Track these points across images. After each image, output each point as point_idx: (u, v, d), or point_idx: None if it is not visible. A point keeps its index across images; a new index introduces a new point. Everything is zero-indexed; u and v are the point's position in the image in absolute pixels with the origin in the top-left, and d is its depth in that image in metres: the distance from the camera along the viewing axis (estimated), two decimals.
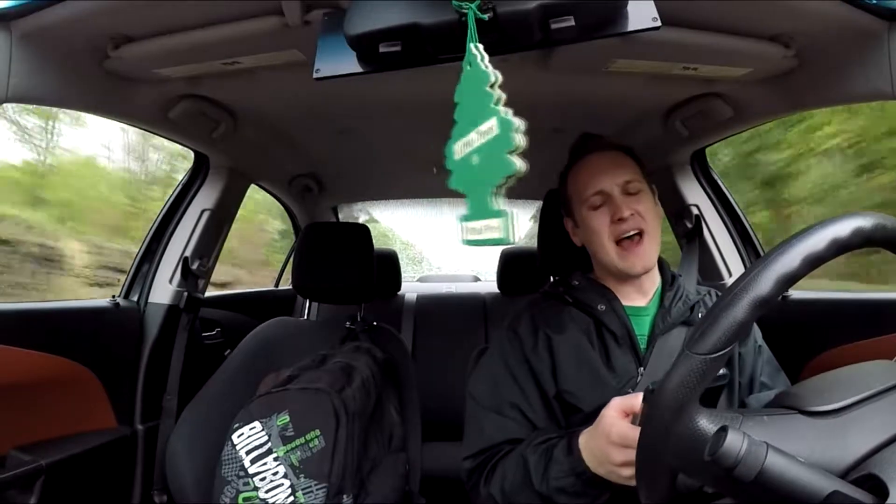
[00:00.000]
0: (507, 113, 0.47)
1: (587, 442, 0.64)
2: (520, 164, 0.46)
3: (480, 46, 0.52)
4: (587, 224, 0.81)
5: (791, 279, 0.39)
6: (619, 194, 0.79)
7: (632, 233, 0.77)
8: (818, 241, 0.39)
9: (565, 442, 0.67)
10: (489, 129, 0.48)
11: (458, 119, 0.53)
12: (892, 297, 1.01)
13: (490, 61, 0.51)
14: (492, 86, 0.49)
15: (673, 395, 0.40)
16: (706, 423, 0.40)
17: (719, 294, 0.77)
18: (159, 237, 1.29)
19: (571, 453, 0.65)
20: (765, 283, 0.38)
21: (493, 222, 0.49)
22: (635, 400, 0.59)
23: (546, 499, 0.66)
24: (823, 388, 0.44)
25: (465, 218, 0.52)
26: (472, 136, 0.51)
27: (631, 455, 0.48)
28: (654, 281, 0.84)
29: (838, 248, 0.39)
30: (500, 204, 0.48)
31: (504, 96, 0.49)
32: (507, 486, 0.71)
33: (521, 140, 0.46)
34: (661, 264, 0.85)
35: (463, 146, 0.52)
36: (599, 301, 0.80)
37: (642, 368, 0.76)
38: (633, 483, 0.47)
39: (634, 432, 0.50)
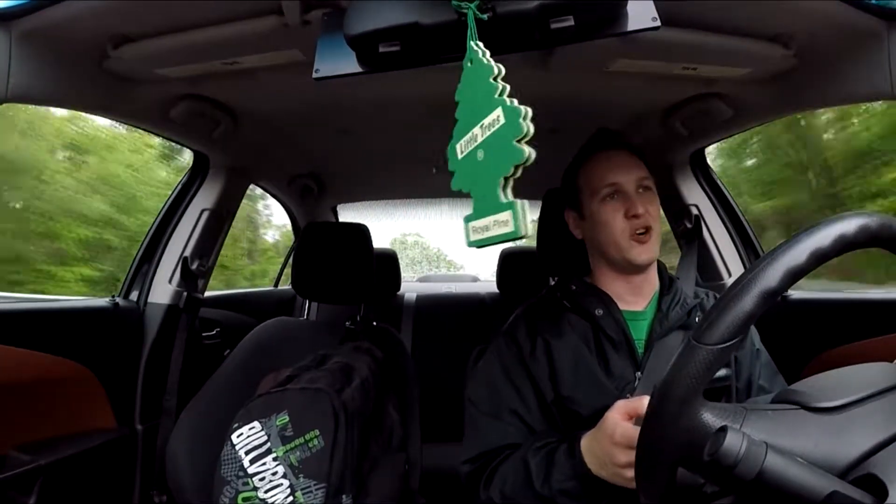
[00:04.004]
0: (513, 101, 0.45)
1: (589, 444, 0.64)
2: (529, 151, 0.43)
3: (481, 44, 0.51)
4: (597, 215, 0.81)
5: (798, 273, 0.39)
6: (634, 190, 0.79)
7: (642, 229, 0.78)
8: (825, 237, 0.39)
9: (567, 445, 0.68)
10: (494, 121, 0.46)
11: (459, 117, 0.52)
12: (892, 297, 1.01)
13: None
14: (495, 78, 0.47)
15: (677, 386, 0.40)
16: (710, 417, 0.40)
17: (717, 296, 0.77)
18: (159, 237, 1.29)
19: (573, 456, 0.65)
20: (773, 275, 0.39)
21: (502, 216, 0.45)
22: (639, 403, 0.59)
23: (547, 501, 0.66)
24: (827, 385, 0.44)
25: (470, 218, 0.49)
26: (475, 131, 0.49)
27: (634, 456, 0.48)
28: (652, 284, 0.84)
29: (844, 245, 0.40)
30: (509, 196, 0.45)
31: (508, 87, 0.46)
32: (507, 490, 0.71)
33: (529, 127, 0.43)
34: (660, 268, 0.85)
35: (465, 144, 0.51)
36: (597, 306, 0.80)
37: (640, 373, 0.76)
38: (635, 485, 0.47)
39: (638, 434, 0.50)
